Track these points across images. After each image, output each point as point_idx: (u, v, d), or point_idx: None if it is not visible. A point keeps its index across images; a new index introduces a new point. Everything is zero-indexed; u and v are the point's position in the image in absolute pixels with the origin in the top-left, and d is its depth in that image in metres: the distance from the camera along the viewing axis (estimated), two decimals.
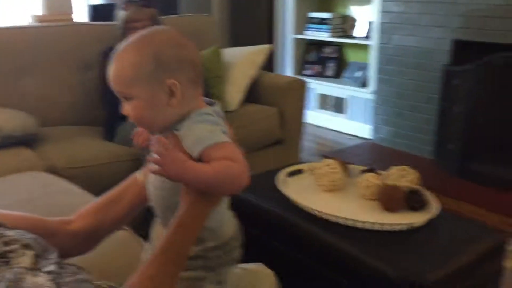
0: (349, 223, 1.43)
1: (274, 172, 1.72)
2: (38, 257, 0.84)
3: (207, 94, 2.64)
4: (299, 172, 1.81)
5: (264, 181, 1.67)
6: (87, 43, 2.60)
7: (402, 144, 3.51)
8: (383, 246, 1.35)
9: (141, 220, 1.21)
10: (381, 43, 3.53)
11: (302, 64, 4.48)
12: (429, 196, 1.56)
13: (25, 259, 0.80)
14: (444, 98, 3.17)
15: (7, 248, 0.80)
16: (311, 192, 1.65)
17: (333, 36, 4.12)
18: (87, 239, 1.02)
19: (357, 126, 3.94)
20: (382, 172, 1.70)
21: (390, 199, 1.51)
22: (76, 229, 1.01)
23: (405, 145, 3.50)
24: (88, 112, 2.53)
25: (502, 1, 2.78)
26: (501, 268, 1.46)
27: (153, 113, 0.84)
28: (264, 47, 2.85)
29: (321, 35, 4.18)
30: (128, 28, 2.52)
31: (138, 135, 0.94)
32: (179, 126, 0.83)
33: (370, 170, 1.71)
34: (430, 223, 1.43)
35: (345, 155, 3.40)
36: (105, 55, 2.52)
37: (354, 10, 4.15)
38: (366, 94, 3.81)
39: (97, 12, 2.97)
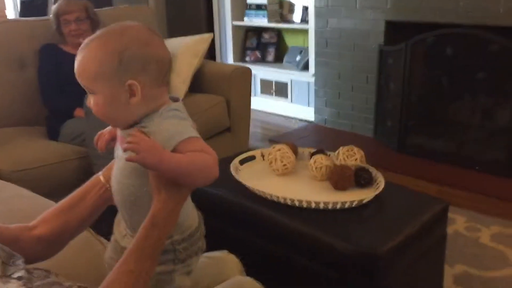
0: (304, 204, 1.49)
1: (226, 160, 1.75)
2: (5, 264, 0.84)
3: None
4: (251, 158, 1.86)
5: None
6: (21, 40, 2.49)
7: (344, 124, 3.65)
8: (337, 223, 1.43)
9: (100, 219, 1.21)
10: (318, 27, 3.62)
11: (243, 51, 4.50)
12: (375, 173, 1.65)
13: None
14: (381, 77, 3.32)
15: None
16: (265, 177, 1.71)
17: (271, 22, 4.16)
18: (51, 243, 1.01)
19: (300, 109, 4.03)
20: (331, 153, 1.78)
21: (340, 178, 1.59)
22: (40, 234, 0.99)
23: (347, 125, 3.63)
24: (27, 111, 2.44)
25: None
26: (444, 234, 1.58)
27: (114, 110, 0.85)
28: (205, 36, 2.85)
29: (259, 21, 4.22)
30: (60, 21, 2.45)
31: (100, 137, 0.94)
32: (146, 122, 0.84)
33: (319, 152, 1.78)
34: (377, 198, 1.52)
35: (291, 138, 3.48)
36: (43, 51, 2.45)
37: None
38: (307, 77, 3.91)
39: (27, 8, 2.85)
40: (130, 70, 0.81)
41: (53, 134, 2.29)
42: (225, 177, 1.64)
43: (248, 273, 1.18)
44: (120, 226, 0.96)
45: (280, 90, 4.16)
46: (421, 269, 1.55)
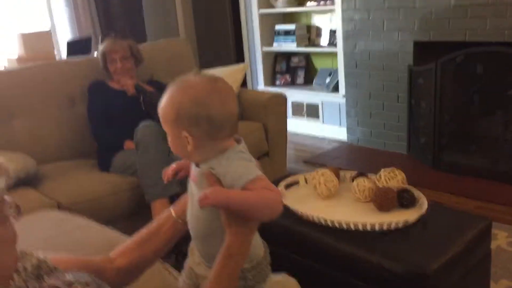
0: (352, 227, 1.57)
1: None
2: None
3: None
4: (294, 183, 1.95)
5: None
6: (70, 79, 2.67)
7: (377, 142, 3.71)
8: (384, 244, 1.50)
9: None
10: (347, 50, 3.72)
11: (273, 75, 4.63)
12: (417, 194, 1.72)
13: None
14: (412, 96, 3.39)
15: None
16: (310, 201, 1.79)
17: (300, 46, 4.29)
18: (129, 273, 1.12)
19: (332, 130, 4.11)
20: (371, 175, 1.86)
21: (383, 200, 1.67)
22: (119, 266, 1.10)
23: (380, 144, 3.69)
24: (78, 145, 2.60)
25: (454, 3, 3.00)
26: (489, 250, 1.63)
27: (179, 150, 0.98)
28: (241, 66, 2.99)
29: (288, 46, 4.34)
30: (107, 60, 2.62)
31: (167, 171, 1.07)
32: (215, 164, 0.94)
33: (361, 175, 1.86)
34: (421, 218, 1.59)
35: (325, 159, 3.56)
36: (91, 88, 2.61)
37: (316, 20, 4.34)
38: (338, 98, 4.00)
39: (73, 47, 3.04)
40: (184, 124, 0.94)
41: (104, 166, 2.42)
42: None
43: None
44: (194, 254, 1.06)
45: (311, 111, 4.25)
46: (467, 286, 1.60)
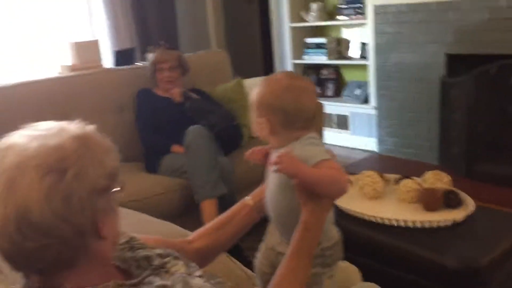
0: (402, 223, 1.64)
1: None
2: (186, 265, 1.04)
3: (234, 125, 2.81)
4: None
5: None
6: (118, 87, 2.80)
7: (408, 153, 3.77)
8: (436, 241, 1.58)
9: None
10: (379, 62, 3.81)
11: None
12: (463, 195, 1.79)
13: (180, 267, 0.99)
14: (444, 107, 3.45)
15: (164, 260, 0.99)
16: (357, 201, 1.87)
17: (330, 59, 4.39)
18: (206, 254, 1.21)
19: (362, 140, 4.19)
20: (415, 178, 1.93)
21: (430, 200, 1.74)
22: (197, 247, 1.20)
23: (410, 154, 3.76)
24: (126, 149, 2.69)
25: (486, 16, 3.08)
26: None
27: (259, 133, 1.12)
28: None
29: (318, 58, 4.45)
30: (156, 69, 2.75)
31: (252, 153, 1.16)
32: (290, 147, 1.06)
33: (406, 177, 1.94)
34: (469, 218, 1.66)
35: (358, 168, 3.63)
36: (140, 95, 2.74)
37: (346, 33, 4.44)
38: (368, 109, 4.08)
39: (120, 57, 3.19)
40: (263, 111, 1.08)
41: (152, 168, 2.54)
42: None
43: None
44: (274, 235, 1.15)
45: (341, 122, 4.34)
46: None
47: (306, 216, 1.03)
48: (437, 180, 1.83)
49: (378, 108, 3.92)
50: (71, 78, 2.72)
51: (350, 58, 4.36)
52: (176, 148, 2.50)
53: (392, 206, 1.81)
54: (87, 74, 2.74)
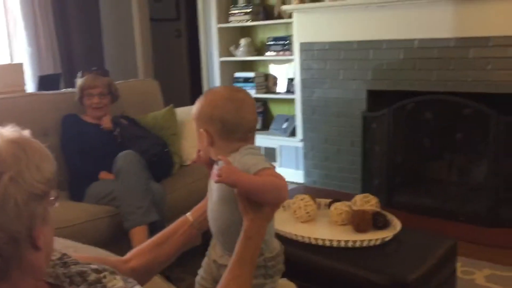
0: (334, 244, 1.69)
1: None
2: (124, 281, 1.00)
3: (165, 151, 2.77)
4: None
5: None
6: (42, 112, 2.68)
7: (333, 184, 3.90)
8: (366, 259, 1.63)
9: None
10: (304, 97, 3.96)
11: None
12: (390, 216, 1.88)
13: (118, 281, 0.96)
14: (366, 140, 3.64)
15: (101, 275, 0.95)
16: (291, 224, 1.90)
17: (258, 93, 4.50)
18: (142, 274, 1.17)
19: (289, 173, 4.28)
20: (346, 202, 2.01)
21: (360, 221, 1.81)
22: (133, 267, 1.16)
23: (335, 185, 3.89)
24: None
25: (401, 56, 3.34)
26: (455, 267, 1.80)
27: (199, 145, 1.14)
28: None
29: None
30: (84, 94, 2.67)
31: (199, 157, 1.18)
32: (230, 158, 1.06)
33: (337, 200, 2.01)
34: (396, 237, 1.74)
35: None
36: (65, 120, 2.64)
37: (274, 68, 4.60)
38: (295, 142, 4.20)
39: (44, 82, 3.07)
40: (202, 122, 1.10)
41: (77, 196, 2.42)
42: None
43: None
44: (216, 248, 1.14)
45: (269, 155, 4.42)
46: None
47: (248, 224, 1.04)
48: (366, 202, 1.92)
49: (304, 140, 4.05)
50: None
51: (277, 93, 4.50)
52: (104, 174, 2.42)
53: (325, 228, 1.86)
54: (9, 98, 2.60)
